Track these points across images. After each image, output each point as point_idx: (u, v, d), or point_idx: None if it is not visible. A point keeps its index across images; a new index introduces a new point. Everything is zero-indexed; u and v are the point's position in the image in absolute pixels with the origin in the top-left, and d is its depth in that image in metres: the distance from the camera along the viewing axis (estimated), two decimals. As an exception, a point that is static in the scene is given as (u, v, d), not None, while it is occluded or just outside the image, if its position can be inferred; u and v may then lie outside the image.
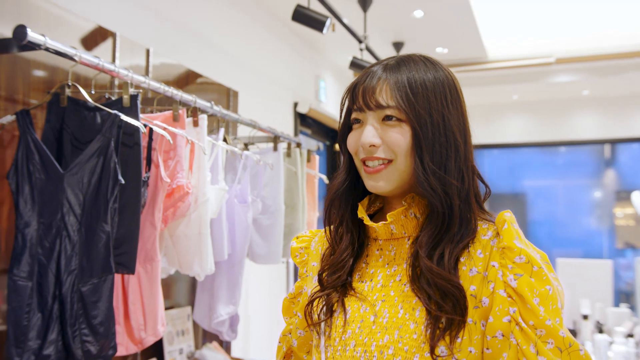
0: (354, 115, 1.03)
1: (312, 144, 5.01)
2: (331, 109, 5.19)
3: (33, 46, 1.59)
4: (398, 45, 4.73)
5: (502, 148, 7.10)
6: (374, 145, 0.98)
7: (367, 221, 1.04)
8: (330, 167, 5.35)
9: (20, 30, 1.54)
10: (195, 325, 2.81)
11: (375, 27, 4.19)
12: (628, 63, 5.35)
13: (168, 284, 2.75)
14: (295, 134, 4.41)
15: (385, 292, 1.00)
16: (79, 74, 2.09)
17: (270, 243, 2.72)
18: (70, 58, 1.70)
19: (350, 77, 5.82)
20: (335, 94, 5.43)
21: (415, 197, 1.01)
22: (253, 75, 3.81)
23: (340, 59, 5.14)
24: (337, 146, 5.36)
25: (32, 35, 1.56)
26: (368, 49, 3.93)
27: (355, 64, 3.90)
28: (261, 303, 3.83)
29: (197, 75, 3.02)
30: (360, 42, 3.78)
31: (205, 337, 2.95)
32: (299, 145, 3.07)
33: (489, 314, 0.91)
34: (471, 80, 5.89)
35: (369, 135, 0.98)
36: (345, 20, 3.56)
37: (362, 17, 3.86)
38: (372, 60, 4.18)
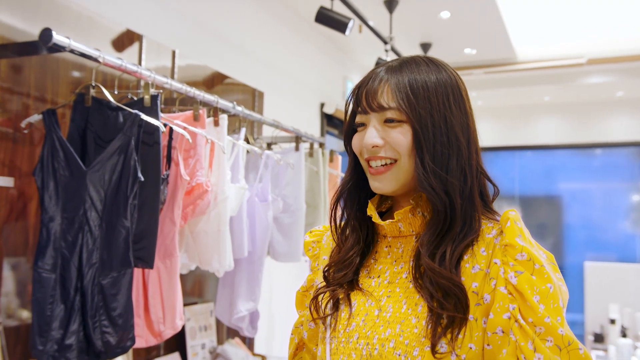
0: (357, 119, 1.06)
1: (339, 144, 5.04)
2: (359, 109, 5.20)
3: (58, 48, 1.66)
4: (426, 47, 4.73)
5: (535, 150, 7.00)
6: (376, 146, 1.01)
7: (375, 219, 1.06)
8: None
9: (46, 33, 1.61)
10: (218, 321, 2.87)
11: (402, 28, 4.20)
12: (663, 64, 5.23)
13: (193, 280, 2.81)
14: (322, 135, 4.44)
15: (391, 289, 1.03)
16: (107, 74, 2.17)
17: (291, 241, 2.76)
18: (95, 59, 1.77)
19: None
20: (363, 94, 5.43)
21: (423, 195, 1.03)
22: (279, 76, 3.87)
23: (367, 59, 5.16)
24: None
25: (57, 37, 1.63)
26: (394, 50, 3.95)
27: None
28: (285, 300, 3.88)
29: (223, 77, 3.08)
30: (385, 43, 3.80)
31: (228, 333, 3.01)
32: (321, 145, 3.10)
33: (490, 310, 0.92)
34: (501, 82, 5.84)
35: (372, 136, 1.01)
36: (370, 22, 3.58)
37: (388, 18, 3.88)
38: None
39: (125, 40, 2.42)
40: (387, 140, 1.01)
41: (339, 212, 1.15)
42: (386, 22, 3.92)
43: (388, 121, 1.01)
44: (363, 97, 1.03)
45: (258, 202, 2.53)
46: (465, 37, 4.69)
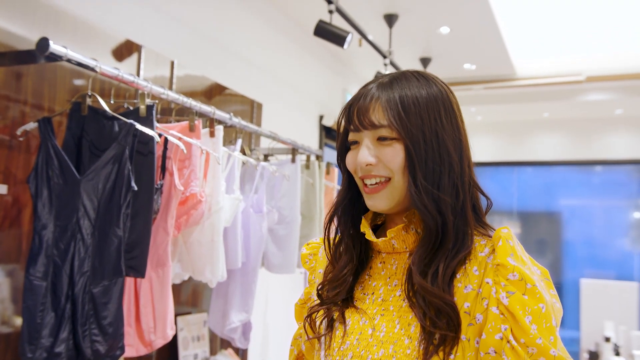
0: (350, 136, 1.06)
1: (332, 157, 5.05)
2: (358, 122, 5.22)
3: (55, 57, 1.68)
4: (425, 61, 4.75)
5: (535, 165, 7.02)
6: (370, 164, 1.01)
7: (369, 236, 1.07)
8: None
9: (43, 43, 1.63)
10: (211, 331, 2.86)
11: (402, 43, 4.23)
12: (662, 83, 5.26)
13: (188, 290, 2.81)
14: (320, 147, 4.45)
15: (385, 307, 1.03)
16: (104, 82, 2.19)
17: (286, 253, 2.76)
18: (91, 69, 1.79)
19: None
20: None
21: (416, 212, 1.03)
22: (279, 87, 3.88)
23: (367, 72, 5.19)
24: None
25: (54, 47, 1.64)
26: (393, 64, 3.97)
27: (376, 79, 3.93)
28: (280, 312, 3.87)
29: (222, 87, 3.10)
30: (384, 57, 3.82)
31: (221, 344, 3.01)
32: (318, 157, 3.11)
33: (482, 330, 0.92)
34: (500, 97, 5.86)
35: (365, 155, 1.01)
36: (370, 36, 3.61)
37: (388, 32, 3.90)
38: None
39: (124, 50, 2.44)
40: (380, 159, 1.01)
41: (332, 229, 1.15)
42: (386, 36, 3.94)
43: (380, 139, 1.01)
44: (355, 115, 1.03)
45: (253, 213, 2.54)
46: (465, 53, 4.72)
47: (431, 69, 4.76)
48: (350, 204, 1.11)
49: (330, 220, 1.13)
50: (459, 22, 3.98)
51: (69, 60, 1.72)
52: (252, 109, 3.35)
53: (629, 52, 4.95)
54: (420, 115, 1.00)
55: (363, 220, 1.09)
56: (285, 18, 3.94)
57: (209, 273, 2.15)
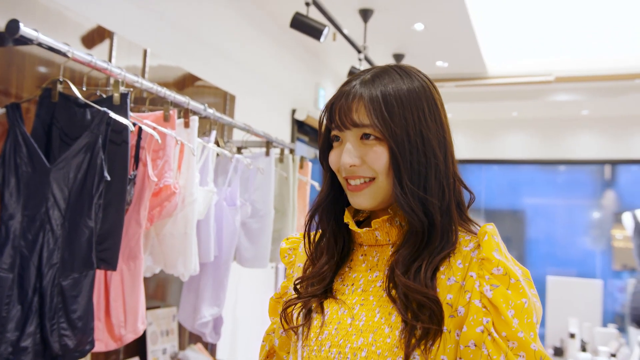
0: (333, 133, 1.04)
1: (309, 151, 5.03)
2: (330, 117, 5.21)
3: (25, 41, 1.61)
4: (398, 57, 4.76)
5: (502, 164, 7.11)
6: (354, 166, 0.99)
7: (352, 226, 1.05)
8: (327, 175, 5.35)
9: (12, 25, 1.56)
10: (181, 326, 2.82)
11: (376, 38, 4.22)
12: (627, 85, 5.37)
13: (156, 284, 2.76)
14: (292, 141, 4.42)
15: (364, 297, 1.02)
16: (75, 70, 2.12)
17: (258, 247, 2.73)
18: (63, 54, 1.73)
19: (350, 86, 5.83)
20: (335, 102, 5.43)
21: None
22: (252, 80, 3.84)
23: (340, 67, 5.17)
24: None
25: (25, 29, 1.58)
26: (367, 59, 3.96)
27: (353, 74, 3.92)
28: (250, 306, 3.84)
29: (195, 78, 3.04)
30: (359, 52, 3.81)
31: (190, 338, 2.96)
32: (292, 151, 3.08)
33: (464, 323, 0.92)
34: (471, 96, 5.91)
35: (348, 157, 0.99)
36: (345, 30, 3.59)
37: (363, 27, 3.89)
38: (371, 71, 4.19)
39: (95, 36, 2.36)
40: (364, 160, 0.99)
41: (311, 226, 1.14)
42: (360, 31, 3.93)
43: (364, 137, 0.99)
44: (336, 114, 1.01)
45: (226, 206, 2.50)
46: (438, 50, 4.74)
47: (404, 66, 4.76)
48: (332, 201, 1.10)
49: (311, 217, 1.12)
50: (434, 19, 3.99)
51: (39, 44, 1.66)
52: (225, 101, 3.30)
53: (597, 54, 5.04)
54: (404, 115, 0.98)
55: (346, 212, 1.07)
56: (260, 10, 3.89)
57: (181, 266, 2.11)
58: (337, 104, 1.02)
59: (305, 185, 3.22)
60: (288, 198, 2.97)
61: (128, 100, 1.82)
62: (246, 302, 3.78)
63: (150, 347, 2.65)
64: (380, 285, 1.01)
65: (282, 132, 4.27)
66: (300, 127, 4.60)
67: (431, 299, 0.93)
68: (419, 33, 4.23)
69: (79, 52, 1.76)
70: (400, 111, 0.98)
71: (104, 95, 1.93)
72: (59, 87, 1.83)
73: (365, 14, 3.76)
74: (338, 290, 1.06)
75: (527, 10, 4.27)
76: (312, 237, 1.13)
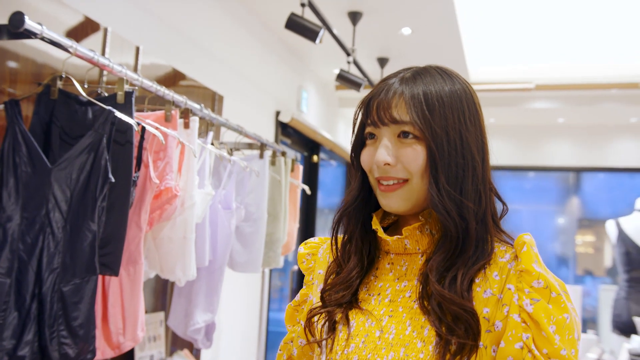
0: (368, 130, 1.00)
1: (290, 154, 4.97)
2: (312, 120, 5.18)
3: (29, 34, 1.53)
4: (383, 61, 4.75)
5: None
6: (388, 164, 0.95)
7: (380, 233, 1.01)
8: (308, 179, 5.32)
9: (17, 17, 1.48)
10: (167, 331, 2.74)
11: (363, 42, 4.20)
12: (603, 94, 5.48)
13: (144, 287, 2.67)
14: (276, 143, 4.37)
15: (393, 308, 0.97)
16: (69, 67, 2.03)
17: (251, 251, 2.68)
18: (65, 50, 1.65)
19: (332, 89, 5.82)
20: (317, 105, 5.41)
21: (432, 213, 0.98)
22: (238, 80, 3.77)
23: (323, 71, 5.14)
24: (315, 157, 5.33)
25: (30, 23, 1.50)
26: (355, 63, 3.93)
27: (342, 77, 3.89)
28: (234, 312, 3.76)
29: (184, 77, 2.97)
30: (348, 54, 3.78)
31: (175, 344, 2.88)
32: (283, 154, 3.04)
33: (501, 338, 0.88)
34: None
35: (383, 154, 0.95)
36: (334, 32, 3.56)
37: (351, 30, 3.87)
38: (359, 74, 4.18)
39: (87, 30, 2.27)
40: (399, 159, 0.95)
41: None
42: (349, 33, 3.91)
43: (401, 136, 0.96)
44: (374, 109, 0.97)
45: (221, 209, 2.43)
46: (423, 55, 4.74)
47: (388, 70, 4.76)
48: (361, 203, 1.05)
49: (340, 219, 1.08)
50: (422, 24, 3.99)
51: (42, 39, 1.58)
52: (213, 101, 3.23)
53: (576, 63, 5.13)
54: (445, 115, 0.95)
55: (374, 218, 1.03)
56: (248, 11, 3.83)
57: (179, 271, 2.04)
58: (376, 99, 0.98)
59: (296, 188, 3.17)
60: (280, 201, 2.92)
61: (133, 99, 1.75)
62: (230, 308, 3.70)
63: (137, 354, 2.56)
64: (410, 296, 0.97)
65: (266, 133, 4.21)
66: (284, 130, 4.55)
67: (468, 311, 0.89)
68: (405, 37, 4.22)
69: (82, 47, 1.68)
70: (441, 110, 0.95)
71: (105, 94, 1.86)
72: (59, 84, 1.75)
73: (355, 16, 3.73)
74: (363, 300, 1.01)
75: (512, 17, 4.31)
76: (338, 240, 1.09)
